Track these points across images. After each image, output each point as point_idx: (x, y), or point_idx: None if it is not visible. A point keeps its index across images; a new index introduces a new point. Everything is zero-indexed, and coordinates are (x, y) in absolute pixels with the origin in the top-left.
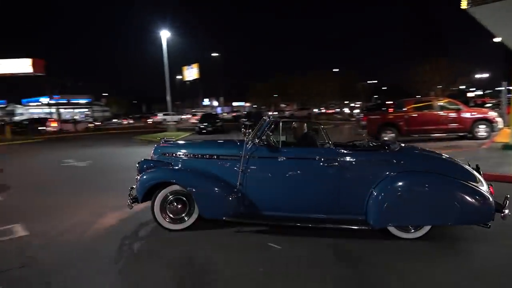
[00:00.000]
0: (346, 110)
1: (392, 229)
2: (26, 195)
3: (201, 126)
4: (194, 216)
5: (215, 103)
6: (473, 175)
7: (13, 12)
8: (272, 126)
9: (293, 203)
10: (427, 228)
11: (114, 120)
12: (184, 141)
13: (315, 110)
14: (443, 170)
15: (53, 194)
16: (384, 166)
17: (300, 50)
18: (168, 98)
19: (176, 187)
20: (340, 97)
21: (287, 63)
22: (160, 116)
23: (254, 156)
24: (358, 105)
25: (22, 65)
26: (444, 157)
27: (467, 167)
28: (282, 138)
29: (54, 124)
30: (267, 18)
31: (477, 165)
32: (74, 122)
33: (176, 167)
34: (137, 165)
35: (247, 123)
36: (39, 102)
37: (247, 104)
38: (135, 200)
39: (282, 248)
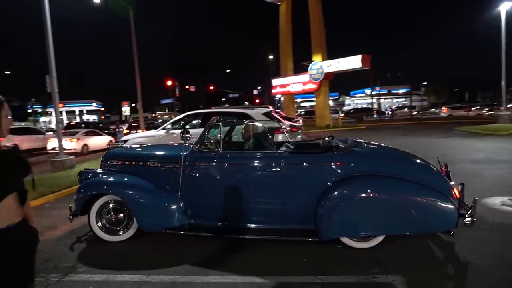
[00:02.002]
0: None
1: (344, 238)
2: None
3: None
4: (135, 227)
5: None
6: (436, 175)
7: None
8: (212, 128)
9: (237, 213)
10: (381, 236)
11: (432, 110)
12: (132, 147)
13: None
14: (399, 172)
15: None
16: (332, 169)
17: None
18: (503, 83)
19: (113, 197)
20: None
21: None
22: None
23: (193, 163)
24: None
25: (354, 62)
26: (404, 156)
27: (430, 166)
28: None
29: (445, 110)
30: None
31: (445, 163)
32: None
33: (115, 176)
34: (78, 175)
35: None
36: (364, 93)
37: None
38: (76, 213)
39: None
